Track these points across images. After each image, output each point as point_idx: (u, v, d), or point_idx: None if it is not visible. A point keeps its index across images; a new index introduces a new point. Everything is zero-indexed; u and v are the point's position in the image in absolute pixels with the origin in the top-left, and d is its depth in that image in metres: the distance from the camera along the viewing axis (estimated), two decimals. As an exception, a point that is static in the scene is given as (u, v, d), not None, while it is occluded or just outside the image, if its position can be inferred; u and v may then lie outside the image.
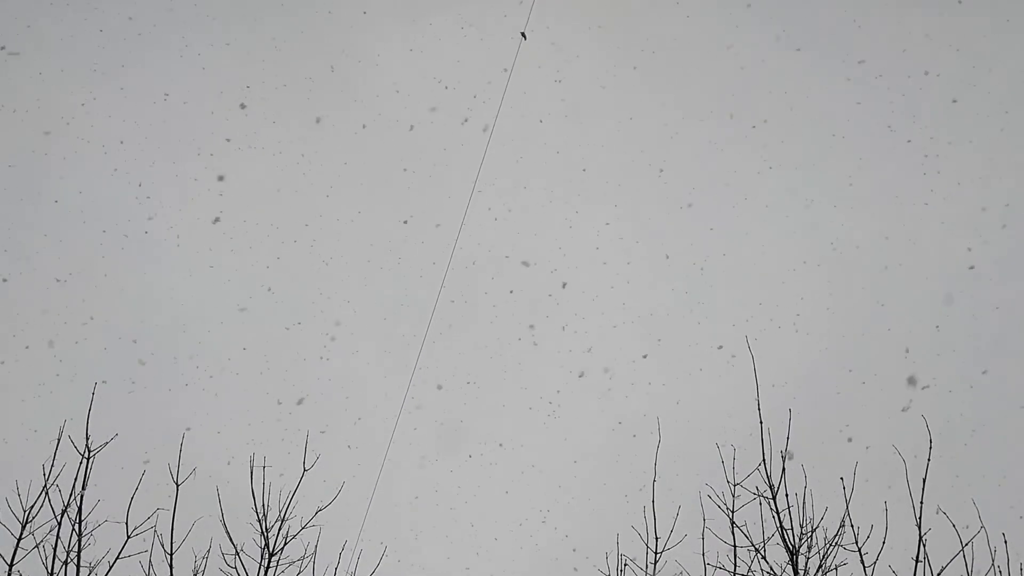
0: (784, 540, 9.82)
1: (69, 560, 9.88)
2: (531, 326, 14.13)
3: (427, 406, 13.64)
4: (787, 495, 9.92)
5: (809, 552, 9.79)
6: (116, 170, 13.83)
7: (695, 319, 14.03)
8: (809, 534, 9.81)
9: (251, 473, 10.57)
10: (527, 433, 13.82)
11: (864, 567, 9.58)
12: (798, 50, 13.99)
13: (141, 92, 13.92)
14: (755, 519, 9.96)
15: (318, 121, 13.84)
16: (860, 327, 13.79)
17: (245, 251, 14.16)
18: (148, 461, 10.52)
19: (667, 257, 14.05)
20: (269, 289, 14.07)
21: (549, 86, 14.04)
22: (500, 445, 13.82)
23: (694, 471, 10.92)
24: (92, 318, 13.66)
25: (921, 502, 9.64)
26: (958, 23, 13.77)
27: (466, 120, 13.14)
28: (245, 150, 13.88)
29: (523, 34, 13.16)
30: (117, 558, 9.97)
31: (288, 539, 10.51)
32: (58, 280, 13.61)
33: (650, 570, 10.16)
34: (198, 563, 10.25)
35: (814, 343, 13.78)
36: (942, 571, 9.44)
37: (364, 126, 13.69)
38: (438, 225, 13.66)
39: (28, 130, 13.78)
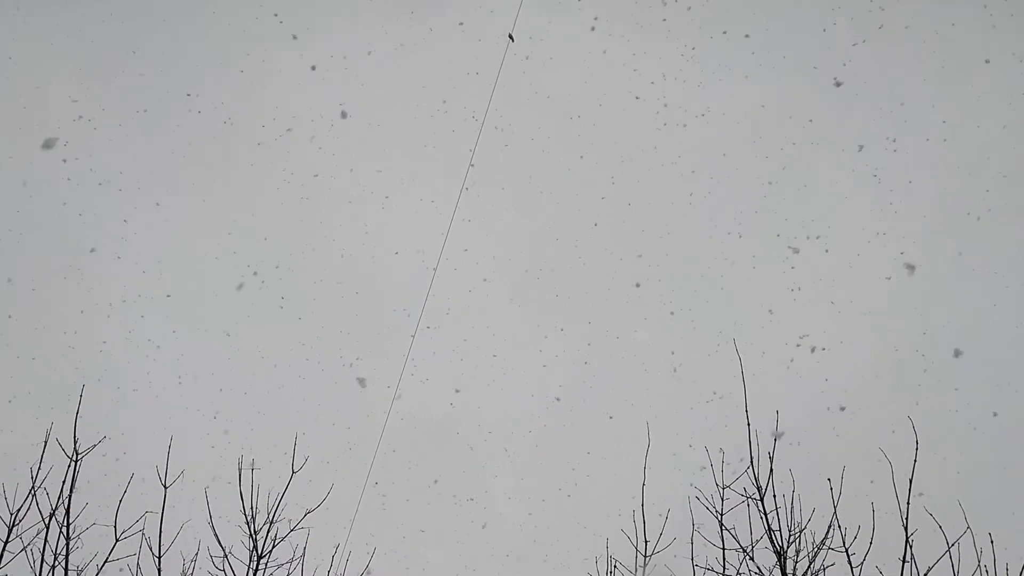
0: (772, 542, 9.87)
1: (57, 564, 9.86)
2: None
3: (415, 407, 13.62)
4: (775, 497, 9.97)
5: (797, 554, 9.83)
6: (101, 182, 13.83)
7: (685, 322, 14.04)
8: (797, 536, 9.86)
9: (239, 475, 10.55)
10: (515, 435, 13.83)
11: (851, 568, 9.63)
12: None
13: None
14: (744, 522, 10.00)
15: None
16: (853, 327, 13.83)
17: (233, 248, 14.13)
18: (136, 464, 10.52)
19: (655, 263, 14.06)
20: (263, 285, 14.04)
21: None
22: (488, 446, 13.82)
23: (682, 474, 10.97)
24: (82, 311, 13.63)
25: (908, 503, 9.68)
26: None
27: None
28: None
29: (510, 36, 13.12)
30: (105, 561, 9.96)
31: (276, 541, 10.50)
32: (34, 290, 13.59)
33: (639, 574, 10.19)
34: (186, 566, 10.25)
35: (804, 343, 13.81)
36: (928, 571, 9.49)
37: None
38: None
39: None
